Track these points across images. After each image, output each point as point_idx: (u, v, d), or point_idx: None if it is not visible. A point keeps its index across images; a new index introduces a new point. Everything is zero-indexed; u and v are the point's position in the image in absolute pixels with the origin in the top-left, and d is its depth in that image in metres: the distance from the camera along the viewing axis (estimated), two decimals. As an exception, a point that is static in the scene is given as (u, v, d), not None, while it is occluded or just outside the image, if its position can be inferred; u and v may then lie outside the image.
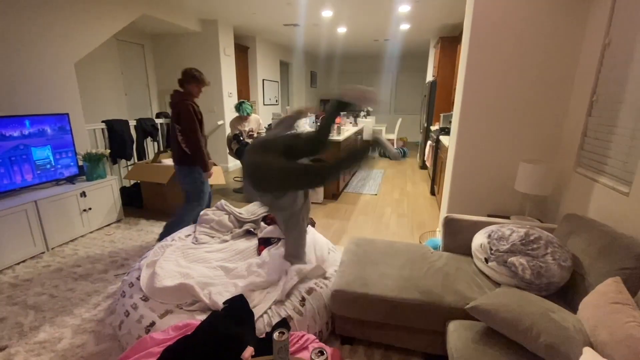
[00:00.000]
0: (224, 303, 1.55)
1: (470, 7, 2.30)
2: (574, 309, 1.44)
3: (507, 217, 2.39)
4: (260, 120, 4.42)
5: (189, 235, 2.38)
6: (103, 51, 4.43)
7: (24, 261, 2.59)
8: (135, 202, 3.84)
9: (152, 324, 1.55)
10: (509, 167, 2.43)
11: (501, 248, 1.65)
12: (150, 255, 2.03)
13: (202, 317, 1.55)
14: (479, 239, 1.80)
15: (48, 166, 2.88)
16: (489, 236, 1.76)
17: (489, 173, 2.48)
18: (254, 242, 2.27)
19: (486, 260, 1.71)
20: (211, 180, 3.75)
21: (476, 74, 2.33)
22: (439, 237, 2.81)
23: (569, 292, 1.56)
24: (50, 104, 3.05)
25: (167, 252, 2.06)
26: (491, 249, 1.69)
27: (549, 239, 1.62)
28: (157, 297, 1.67)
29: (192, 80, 2.58)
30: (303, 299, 1.69)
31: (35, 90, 2.93)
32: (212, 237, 2.34)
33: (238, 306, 1.51)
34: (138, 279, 1.86)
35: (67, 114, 3.01)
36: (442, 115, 4.89)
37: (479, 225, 1.96)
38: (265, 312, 1.58)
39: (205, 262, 2.02)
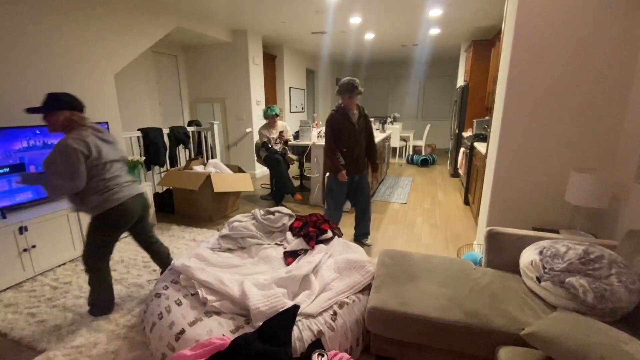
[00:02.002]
0: (265, 322, 1.50)
1: (514, 4, 2.17)
2: (645, 339, 1.27)
3: (556, 231, 2.19)
4: (288, 127, 4.43)
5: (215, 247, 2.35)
6: (140, 62, 4.63)
7: (64, 264, 2.69)
8: (168, 208, 3.93)
9: (182, 331, 1.52)
10: (557, 176, 2.24)
11: (556, 267, 1.49)
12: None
13: (229, 326, 1.51)
14: (529, 256, 1.65)
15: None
16: (541, 253, 1.60)
17: (535, 182, 2.31)
18: (280, 251, 2.22)
19: (538, 280, 1.55)
20: (239, 187, 3.79)
21: (520, 76, 2.18)
22: (477, 251, 2.64)
23: (637, 320, 1.38)
24: (91, 114, 3.17)
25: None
26: (544, 268, 1.54)
27: (612, 258, 1.45)
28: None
29: (338, 92, 2.74)
30: (335, 314, 1.61)
31: (78, 100, 3.08)
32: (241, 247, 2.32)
33: (274, 325, 1.45)
34: (173, 282, 1.86)
35: (106, 123, 3.14)
36: (475, 120, 4.68)
37: (527, 240, 1.80)
38: (296, 325, 1.52)
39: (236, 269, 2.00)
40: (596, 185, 1.94)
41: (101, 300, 2.06)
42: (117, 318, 2.00)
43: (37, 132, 2.60)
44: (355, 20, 4.59)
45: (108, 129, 3.14)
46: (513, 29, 2.14)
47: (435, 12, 4.19)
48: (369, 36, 5.69)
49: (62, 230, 2.66)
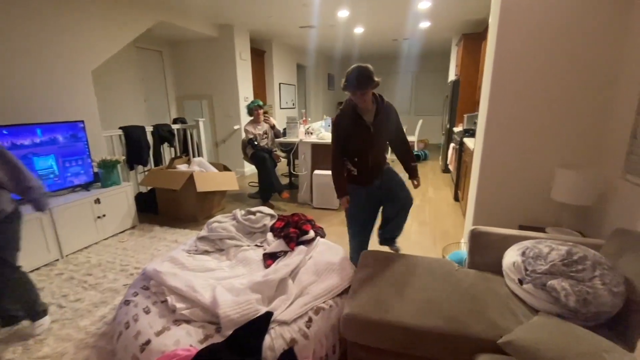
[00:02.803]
0: (235, 330, 1.43)
1: (498, -3, 2.09)
2: (627, 344, 1.22)
3: (542, 229, 2.14)
4: (275, 122, 4.35)
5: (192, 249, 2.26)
6: (123, 58, 4.49)
7: (38, 269, 2.60)
8: (151, 208, 3.83)
9: (148, 342, 1.44)
10: (543, 173, 2.19)
11: (538, 269, 1.43)
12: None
13: (198, 336, 1.44)
14: (512, 257, 1.59)
15: (51, 176, 2.79)
16: (524, 254, 1.55)
17: (521, 179, 2.25)
18: (260, 253, 2.15)
19: (520, 282, 1.49)
20: (224, 186, 3.69)
21: (504, 69, 2.11)
22: (463, 249, 2.58)
23: (621, 324, 1.33)
24: (67, 112, 3.07)
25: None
26: (526, 269, 1.48)
27: (596, 259, 1.39)
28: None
29: (345, 87, 1.91)
30: (310, 320, 1.54)
31: (52, 97, 2.96)
32: (218, 250, 2.23)
33: (245, 333, 1.38)
34: (143, 288, 1.78)
35: (82, 121, 3.02)
36: (465, 116, 4.62)
37: (511, 240, 1.74)
38: (268, 333, 1.44)
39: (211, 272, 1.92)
40: (582, 182, 1.88)
41: (39, 300, 1.91)
42: (88, 326, 1.92)
43: (4, 131, 2.48)
44: (343, 13, 4.48)
45: (84, 127, 3.04)
46: (497, 22, 2.07)
47: (424, 4, 4.11)
48: (359, 30, 5.58)
49: (36, 233, 2.56)
